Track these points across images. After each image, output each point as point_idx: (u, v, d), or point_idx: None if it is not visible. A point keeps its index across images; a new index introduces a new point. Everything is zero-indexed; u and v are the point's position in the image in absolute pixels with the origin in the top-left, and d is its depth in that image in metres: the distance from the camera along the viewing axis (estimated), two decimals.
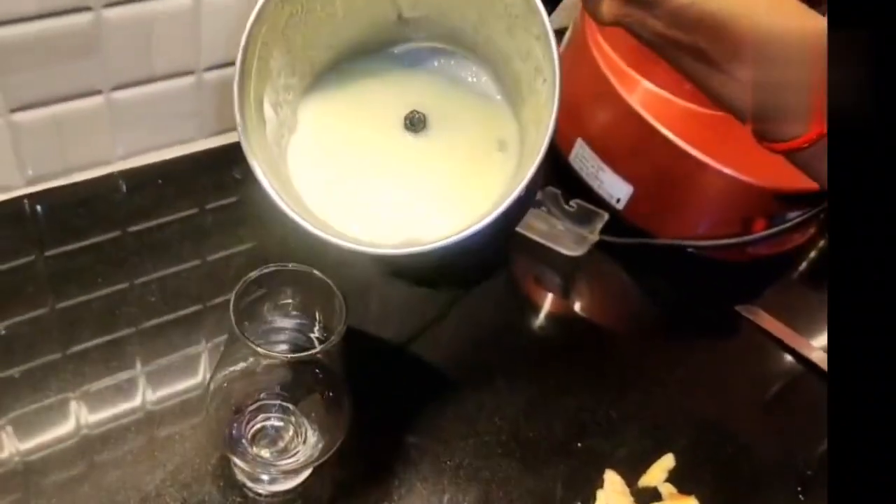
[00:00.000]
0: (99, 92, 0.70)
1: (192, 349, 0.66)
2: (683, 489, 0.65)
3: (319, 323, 0.58)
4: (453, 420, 0.66)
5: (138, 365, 0.64)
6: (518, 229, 0.77)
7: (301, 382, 0.57)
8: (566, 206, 0.78)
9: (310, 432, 0.58)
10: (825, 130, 0.43)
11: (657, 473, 0.65)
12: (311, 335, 0.58)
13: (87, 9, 0.64)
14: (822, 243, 0.86)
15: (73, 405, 0.61)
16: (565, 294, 0.79)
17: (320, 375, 0.55)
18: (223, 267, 0.72)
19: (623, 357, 0.75)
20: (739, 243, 0.77)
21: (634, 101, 0.75)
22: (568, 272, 0.79)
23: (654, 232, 0.80)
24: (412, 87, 0.56)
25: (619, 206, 0.80)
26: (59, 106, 0.69)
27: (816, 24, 0.43)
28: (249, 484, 0.59)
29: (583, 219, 0.78)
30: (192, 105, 0.76)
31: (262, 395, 0.58)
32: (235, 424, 0.57)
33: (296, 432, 0.58)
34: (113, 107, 0.72)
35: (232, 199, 0.77)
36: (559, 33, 0.76)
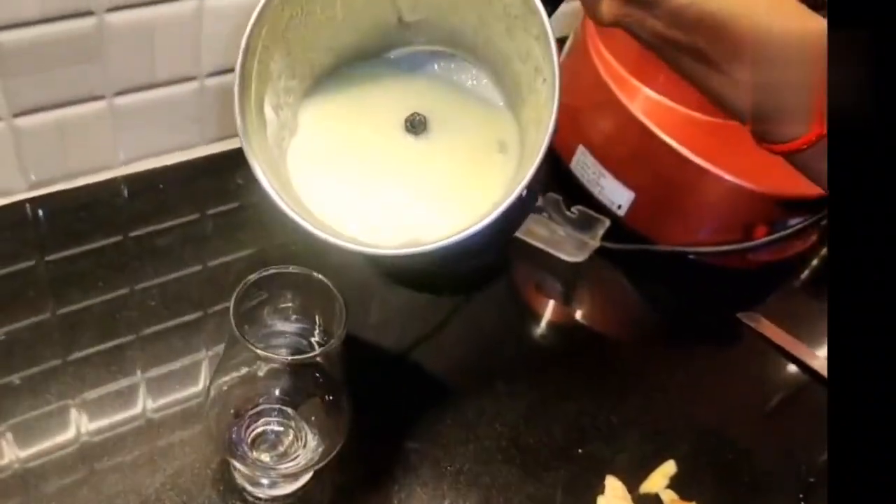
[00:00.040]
0: (101, 97, 0.70)
1: (192, 354, 0.66)
2: (685, 495, 0.65)
3: (320, 327, 0.58)
4: (453, 425, 0.66)
5: (138, 370, 0.64)
6: (519, 235, 0.77)
7: (301, 386, 0.57)
8: (567, 213, 0.78)
9: (310, 436, 0.57)
10: (825, 131, 0.43)
11: (658, 479, 0.65)
12: (312, 339, 0.58)
13: (90, 13, 0.64)
14: (824, 251, 0.86)
15: (73, 410, 0.61)
16: (566, 300, 0.79)
17: (320, 379, 0.55)
18: (224, 272, 0.72)
19: (624, 363, 0.75)
20: (740, 250, 0.77)
21: (635, 108, 0.76)
22: (569, 278, 0.79)
23: (655, 238, 0.80)
24: (412, 91, 0.56)
25: (621, 213, 0.80)
26: (61, 111, 0.69)
27: (816, 24, 0.43)
28: (249, 488, 0.59)
29: (584, 225, 0.78)
30: (194, 111, 0.77)
31: (261, 400, 0.58)
32: (235, 428, 0.57)
33: (296, 436, 0.58)
34: (115, 112, 0.72)
35: (233, 205, 0.77)
36: (560, 41, 0.77)
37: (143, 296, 0.69)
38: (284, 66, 0.53)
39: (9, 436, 0.59)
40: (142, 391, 0.63)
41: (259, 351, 0.50)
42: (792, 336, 0.77)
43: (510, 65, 0.52)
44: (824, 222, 0.77)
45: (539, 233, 0.78)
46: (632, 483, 0.65)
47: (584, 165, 0.81)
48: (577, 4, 0.51)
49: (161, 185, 0.77)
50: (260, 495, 0.59)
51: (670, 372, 0.74)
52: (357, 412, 0.56)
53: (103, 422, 0.61)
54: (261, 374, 0.56)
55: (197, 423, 0.62)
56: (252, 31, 0.49)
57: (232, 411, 0.57)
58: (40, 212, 0.73)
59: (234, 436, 0.57)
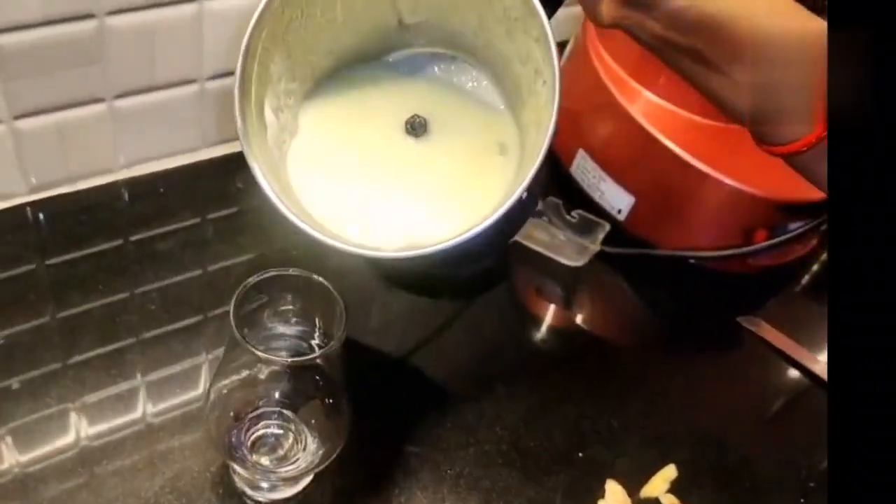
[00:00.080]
0: (102, 100, 0.70)
1: (192, 358, 0.66)
2: (685, 500, 0.64)
3: (320, 330, 0.58)
4: (453, 429, 0.65)
5: (138, 374, 0.64)
6: (519, 239, 0.77)
7: (301, 389, 0.57)
8: (567, 217, 0.78)
9: (310, 439, 0.57)
10: (824, 133, 0.43)
11: (659, 484, 0.65)
12: (312, 342, 0.58)
13: (91, 16, 0.64)
14: (824, 256, 0.86)
15: (72, 414, 0.61)
16: (566, 304, 0.79)
17: (320, 382, 0.55)
18: (224, 276, 0.72)
19: (624, 367, 0.74)
20: (741, 254, 0.77)
21: (636, 112, 0.76)
22: (569, 282, 0.79)
23: (655, 242, 0.80)
24: (413, 93, 0.56)
25: (621, 217, 0.80)
26: (62, 113, 0.69)
27: (816, 25, 0.43)
28: (249, 492, 0.59)
29: (584, 229, 0.78)
30: (195, 114, 0.77)
31: (261, 403, 0.58)
32: (235, 432, 0.57)
33: (296, 439, 0.58)
34: (116, 115, 0.72)
35: (233, 209, 0.77)
36: (561, 46, 0.77)
37: (143, 299, 0.69)
38: (285, 68, 0.53)
39: (8, 439, 0.59)
40: (142, 395, 0.63)
41: (259, 353, 0.50)
42: (793, 340, 0.77)
43: (510, 67, 0.52)
44: (824, 227, 0.77)
45: (539, 237, 0.78)
46: (632, 487, 0.65)
47: (585, 170, 0.81)
48: (578, 8, 0.51)
49: (161, 189, 0.77)
50: (260, 499, 0.59)
51: (671, 376, 0.74)
52: (357, 416, 0.56)
53: (103, 425, 0.61)
54: (261, 377, 0.56)
55: (197, 427, 0.62)
56: (252, 33, 0.49)
57: (232, 414, 0.57)
58: (41, 215, 0.73)
59: (233, 439, 0.56)
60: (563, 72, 0.45)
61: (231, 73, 0.50)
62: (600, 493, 0.64)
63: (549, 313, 0.78)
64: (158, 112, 0.74)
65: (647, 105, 0.77)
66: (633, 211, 0.79)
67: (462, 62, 0.56)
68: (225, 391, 0.55)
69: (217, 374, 0.55)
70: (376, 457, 0.63)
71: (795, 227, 0.75)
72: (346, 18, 0.53)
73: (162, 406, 0.63)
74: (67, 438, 0.60)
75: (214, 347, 0.67)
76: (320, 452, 0.56)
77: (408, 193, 0.53)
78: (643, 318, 0.81)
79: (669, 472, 0.66)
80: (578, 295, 0.80)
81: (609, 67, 0.78)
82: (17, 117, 0.67)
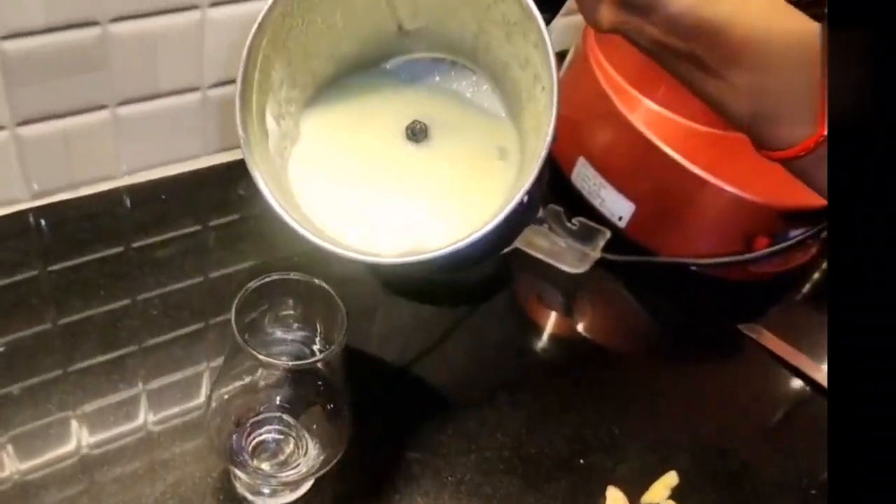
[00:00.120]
0: (105, 107, 0.71)
1: (193, 364, 0.66)
2: None
3: (321, 335, 0.58)
4: (455, 435, 0.65)
5: (139, 380, 0.64)
6: (520, 246, 0.77)
7: (302, 395, 0.57)
8: (568, 224, 0.78)
9: (310, 445, 0.57)
10: (823, 136, 0.43)
11: (660, 490, 0.65)
12: (313, 347, 0.58)
13: (95, 23, 0.65)
14: (825, 264, 0.86)
15: (73, 421, 0.61)
16: (567, 311, 0.79)
17: (321, 387, 0.55)
18: (225, 283, 0.72)
19: (625, 374, 0.74)
20: (742, 261, 0.77)
21: (636, 120, 0.76)
22: (570, 289, 0.79)
23: (656, 250, 0.80)
24: (413, 100, 0.56)
25: (621, 224, 0.80)
26: (64, 120, 0.70)
27: (813, 28, 0.43)
28: (250, 497, 0.59)
29: (585, 236, 0.78)
30: (197, 121, 0.77)
31: (262, 408, 0.58)
32: (236, 437, 0.57)
33: (296, 445, 0.58)
34: (118, 122, 0.72)
35: (235, 217, 0.78)
36: (561, 55, 0.77)
37: (144, 306, 0.69)
38: (286, 75, 0.53)
39: (9, 447, 0.59)
40: (143, 401, 0.63)
41: (260, 356, 0.50)
42: (794, 348, 0.77)
43: (509, 72, 0.52)
44: (825, 234, 0.77)
45: (540, 244, 0.78)
46: (633, 494, 0.64)
47: (585, 177, 0.82)
48: (579, 18, 0.51)
49: (163, 196, 0.77)
50: None
51: (672, 383, 0.74)
52: (359, 421, 0.56)
53: (104, 432, 0.61)
54: (262, 382, 0.56)
55: (198, 433, 0.62)
56: (253, 40, 0.49)
57: (233, 420, 0.57)
58: (43, 221, 0.73)
59: (234, 444, 0.56)
60: (563, 79, 0.45)
61: (233, 82, 0.51)
62: (601, 499, 0.64)
63: (550, 320, 0.78)
64: (161, 119, 0.74)
65: (648, 113, 0.78)
66: (634, 218, 0.79)
67: (462, 67, 0.56)
68: (226, 397, 0.55)
69: (218, 380, 0.55)
70: (377, 462, 0.63)
71: (796, 234, 0.76)
72: (347, 25, 0.53)
73: (163, 412, 0.63)
74: (68, 445, 0.60)
75: (216, 354, 0.67)
76: (321, 458, 0.56)
77: (409, 198, 0.53)
78: (644, 326, 0.81)
79: (670, 479, 0.66)
80: (579, 302, 0.80)
81: (609, 76, 0.79)
82: (20, 123, 0.68)
